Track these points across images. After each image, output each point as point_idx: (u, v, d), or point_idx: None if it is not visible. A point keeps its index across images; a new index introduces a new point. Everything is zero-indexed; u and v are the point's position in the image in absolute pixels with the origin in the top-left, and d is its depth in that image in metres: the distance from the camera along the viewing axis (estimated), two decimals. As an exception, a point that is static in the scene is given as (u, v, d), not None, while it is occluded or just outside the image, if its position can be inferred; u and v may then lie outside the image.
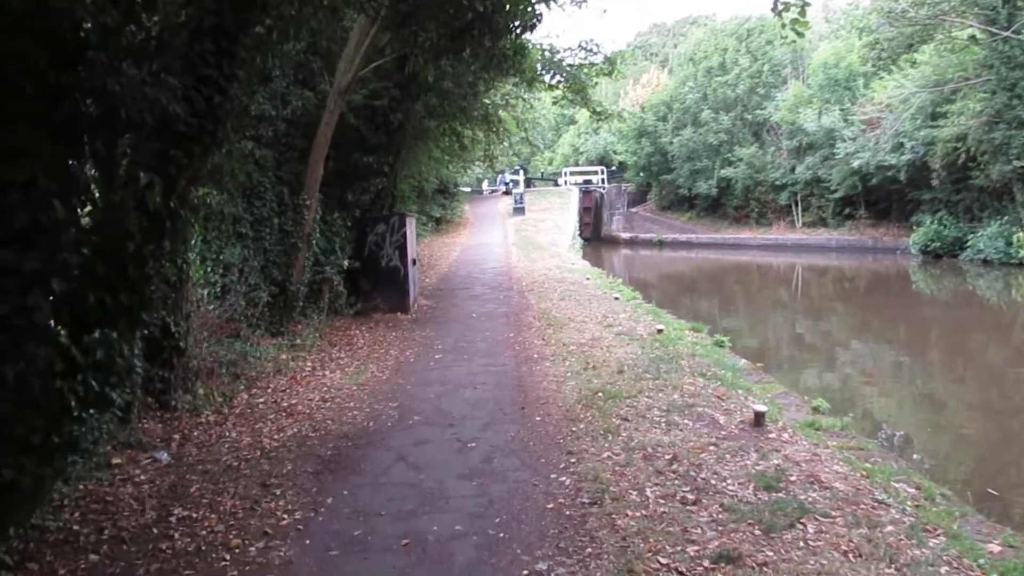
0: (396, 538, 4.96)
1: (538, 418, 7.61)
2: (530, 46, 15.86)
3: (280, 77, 11.12)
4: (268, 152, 11.06)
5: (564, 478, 5.92)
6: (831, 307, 25.46)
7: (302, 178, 11.90)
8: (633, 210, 54.60)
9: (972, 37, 30.25)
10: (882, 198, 39.45)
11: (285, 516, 5.29)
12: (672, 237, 48.62)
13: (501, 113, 20.72)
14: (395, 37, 10.68)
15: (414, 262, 15.51)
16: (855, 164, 36.90)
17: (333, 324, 12.83)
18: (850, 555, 4.59)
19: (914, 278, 30.86)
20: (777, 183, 44.78)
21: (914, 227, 35.73)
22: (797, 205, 44.27)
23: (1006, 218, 30.64)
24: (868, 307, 25.12)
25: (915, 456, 9.40)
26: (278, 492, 5.71)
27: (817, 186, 42.07)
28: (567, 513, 5.25)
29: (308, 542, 4.92)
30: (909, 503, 5.51)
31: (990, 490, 7.89)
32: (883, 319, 22.35)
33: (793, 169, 43.17)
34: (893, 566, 4.46)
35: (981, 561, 4.61)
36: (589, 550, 4.68)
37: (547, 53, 17.47)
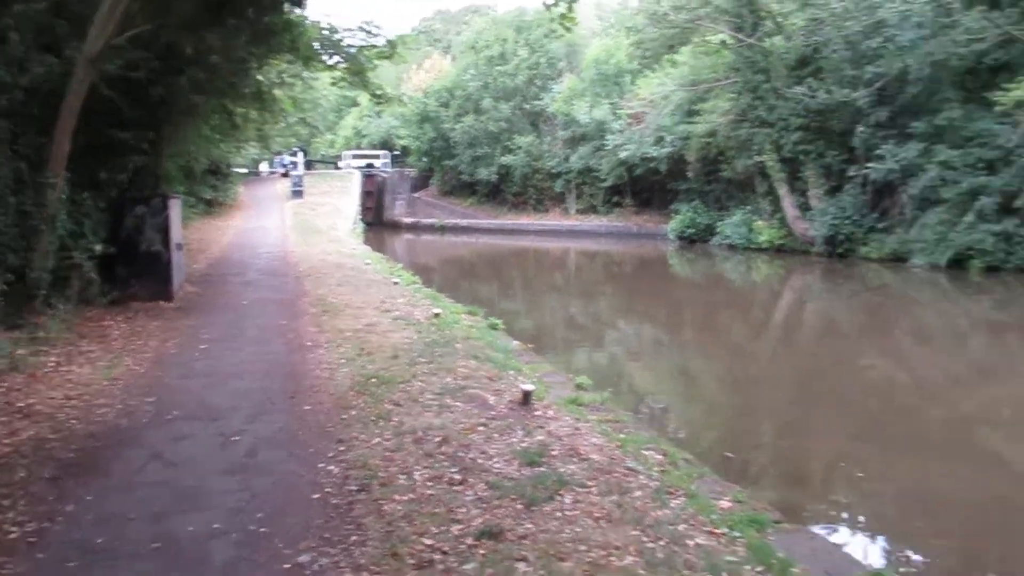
0: (147, 542, 4.61)
1: (308, 407, 7.42)
2: (307, 23, 15.36)
3: (18, 41, 9.90)
4: (3, 123, 9.85)
5: (332, 467, 5.82)
6: (600, 290, 27.10)
7: (45, 153, 10.68)
8: (416, 195, 54.72)
9: (723, 42, 33.29)
10: (646, 188, 42.66)
11: (14, 529, 4.73)
12: (454, 222, 49.38)
13: (276, 92, 19.84)
14: (146, 5, 9.88)
15: (179, 247, 14.49)
16: (622, 155, 39.51)
17: (84, 315, 11.67)
18: (602, 521, 4.91)
19: (672, 262, 33.72)
20: (553, 171, 46.94)
21: (672, 215, 38.99)
22: (571, 193, 46.68)
23: (749, 207, 34.29)
24: (633, 289, 27.05)
25: (670, 426, 10.26)
26: (7, 503, 5.07)
27: (589, 175, 44.66)
28: (333, 502, 5.17)
29: (42, 555, 4.44)
30: (656, 469, 6.02)
31: (727, 453, 8.82)
32: (646, 300, 24.17)
33: (568, 158, 45.47)
34: (639, 528, 4.83)
35: (713, 516, 5.13)
36: (354, 538, 4.64)
37: (325, 32, 16.94)
